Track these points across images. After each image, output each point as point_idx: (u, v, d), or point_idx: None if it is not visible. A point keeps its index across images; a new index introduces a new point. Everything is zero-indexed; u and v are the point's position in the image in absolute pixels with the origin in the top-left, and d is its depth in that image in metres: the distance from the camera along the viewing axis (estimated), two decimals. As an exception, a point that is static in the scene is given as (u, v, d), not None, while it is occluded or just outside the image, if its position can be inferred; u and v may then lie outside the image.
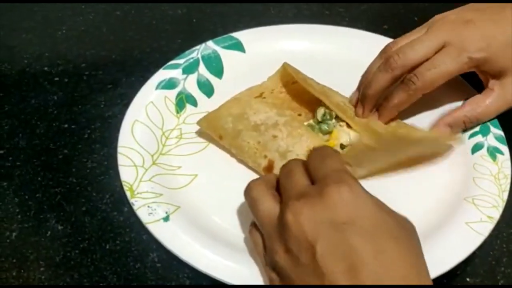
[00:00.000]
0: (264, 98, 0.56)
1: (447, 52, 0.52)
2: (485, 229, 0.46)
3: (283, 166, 0.43)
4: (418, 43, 0.53)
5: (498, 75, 0.53)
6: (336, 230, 0.36)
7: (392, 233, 0.37)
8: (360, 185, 0.39)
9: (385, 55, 0.54)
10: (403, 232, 0.37)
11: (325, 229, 0.36)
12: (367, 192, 0.38)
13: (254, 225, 0.43)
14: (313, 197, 0.38)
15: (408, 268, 0.36)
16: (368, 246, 0.35)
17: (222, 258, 0.45)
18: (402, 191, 0.51)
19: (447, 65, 0.51)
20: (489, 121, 0.55)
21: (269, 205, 0.41)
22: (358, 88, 0.57)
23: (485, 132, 0.54)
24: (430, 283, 0.37)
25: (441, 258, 0.44)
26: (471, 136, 0.54)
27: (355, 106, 0.55)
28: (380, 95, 0.54)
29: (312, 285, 0.36)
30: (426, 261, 0.37)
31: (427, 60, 0.52)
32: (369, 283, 0.34)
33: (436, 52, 0.52)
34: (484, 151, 0.53)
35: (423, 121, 0.57)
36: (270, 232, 0.40)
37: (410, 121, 0.57)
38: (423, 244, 0.39)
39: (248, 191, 0.43)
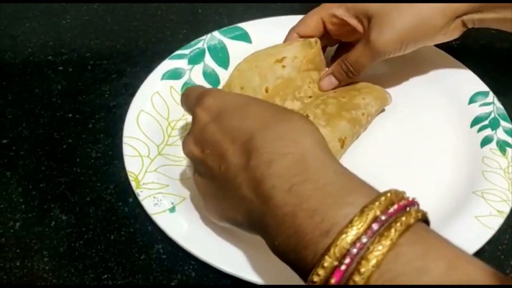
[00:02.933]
0: (284, 66, 0.54)
1: None
2: (495, 223, 0.46)
3: None
4: None
5: (368, 20, 0.52)
6: (205, 131, 0.40)
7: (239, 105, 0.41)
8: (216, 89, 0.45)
9: None
10: (256, 101, 0.42)
11: (200, 137, 0.41)
12: (222, 92, 0.44)
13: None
14: (190, 128, 0.43)
15: (261, 121, 0.38)
16: (236, 123, 0.39)
17: (227, 249, 0.45)
18: (410, 184, 0.49)
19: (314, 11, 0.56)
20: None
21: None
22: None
23: (494, 126, 0.53)
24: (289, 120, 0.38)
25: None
26: (480, 129, 0.54)
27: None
28: None
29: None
30: None
31: None
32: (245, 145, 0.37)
33: None
34: (493, 144, 0.52)
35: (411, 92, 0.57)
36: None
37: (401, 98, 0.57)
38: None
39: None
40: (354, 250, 0.30)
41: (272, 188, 0.35)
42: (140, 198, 0.47)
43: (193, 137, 0.42)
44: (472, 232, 0.45)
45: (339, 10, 0.54)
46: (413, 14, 0.50)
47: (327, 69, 0.56)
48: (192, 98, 0.44)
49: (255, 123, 0.38)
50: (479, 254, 0.45)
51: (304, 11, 0.66)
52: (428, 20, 0.51)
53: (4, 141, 0.55)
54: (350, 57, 0.54)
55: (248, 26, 0.64)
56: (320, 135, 0.38)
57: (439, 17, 0.51)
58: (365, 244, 0.30)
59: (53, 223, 0.49)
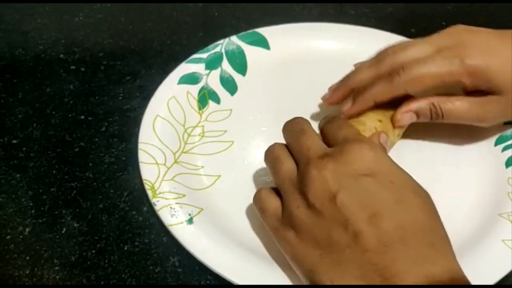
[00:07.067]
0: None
1: (442, 54, 0.48)
2: (522, 247, 0.45)
3: (288, 130, 0.45)
4: (412, 46, 0.50)
5: (494, 92, 0.49)
6: (358, 180, 0.38)
7: (411, 186, 0.39)
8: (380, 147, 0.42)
9: (378, 55, 0.52)
10: (420, 190, 0.39)
11: (347, 180, 0.38)
12: (386, 153, 0.41)
13: (262, 190, 0.44)
14: (336, 154, 0.39)
15: (427, 217, 0.37)
16: (388, 195, 0.37)
17: (246, 264, 0.43)
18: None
19: (437, 65, 0.48)
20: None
21: (291, 164, 0.42)
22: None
23: (519, 145, 0.52)
24: (447, 236, 0.38)
25: (476, 277, 0.41)
26: (505, 149, 0.52)
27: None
28: (357, 86, 0.51)
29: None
30: None
31: None
32: (391, 228, 0.36)
33: None
34: (518, 165, 0.51)
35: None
36: (291, 189, 0.41)
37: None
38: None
39: (268, 153, 0.45)
40: None
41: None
42: (157, 208, 0.46)
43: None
44: (498, 257, 0.44)
45: (467, 80, 0.48)
46: None
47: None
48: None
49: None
50: (506, 279, 0.44)
51: (322, 19, 0.65)
52: None
53: (14, 141, 0.53)
54: (454, 103, 0.50)
55: (267, 31, 0.62)
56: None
57: None
58: None
59: (64, 229, 0.47)
